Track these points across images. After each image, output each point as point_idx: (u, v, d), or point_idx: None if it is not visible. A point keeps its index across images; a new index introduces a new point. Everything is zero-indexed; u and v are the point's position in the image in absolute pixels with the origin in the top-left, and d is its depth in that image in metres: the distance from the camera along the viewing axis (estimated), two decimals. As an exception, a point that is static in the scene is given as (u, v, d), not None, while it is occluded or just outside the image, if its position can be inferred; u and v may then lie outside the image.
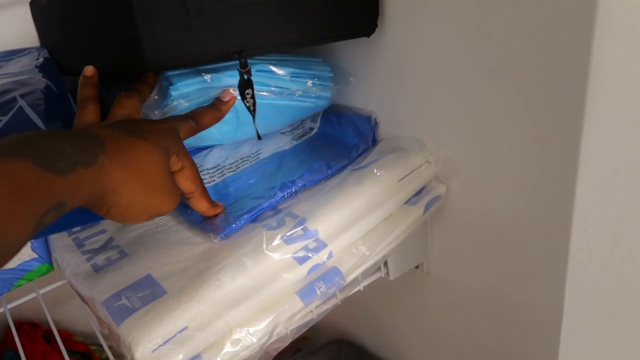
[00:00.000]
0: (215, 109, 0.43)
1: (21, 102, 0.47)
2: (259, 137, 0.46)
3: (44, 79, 0.52)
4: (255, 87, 0.44)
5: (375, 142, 0.52)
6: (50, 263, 0.51)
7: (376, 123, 0.51)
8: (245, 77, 0.42)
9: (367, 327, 0.74)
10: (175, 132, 0.40)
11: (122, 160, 0.35)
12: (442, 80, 0.43)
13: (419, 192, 0.47)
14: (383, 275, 0.52)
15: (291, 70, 0.47)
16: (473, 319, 0.53)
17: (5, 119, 0.45)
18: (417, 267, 0.55)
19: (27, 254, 0.49)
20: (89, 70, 0.44)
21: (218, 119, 0.44)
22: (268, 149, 0.52)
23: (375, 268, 0.48)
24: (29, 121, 0.46)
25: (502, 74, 0.38)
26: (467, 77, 0.41)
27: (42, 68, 0.56)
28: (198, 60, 0.40)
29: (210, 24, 0.38)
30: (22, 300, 0.51)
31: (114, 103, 0.42)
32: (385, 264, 0.52)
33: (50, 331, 0.82)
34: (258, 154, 0.52)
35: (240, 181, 0.48)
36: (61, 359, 0.79)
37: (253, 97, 0.42)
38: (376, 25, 0.46)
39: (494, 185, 0.44)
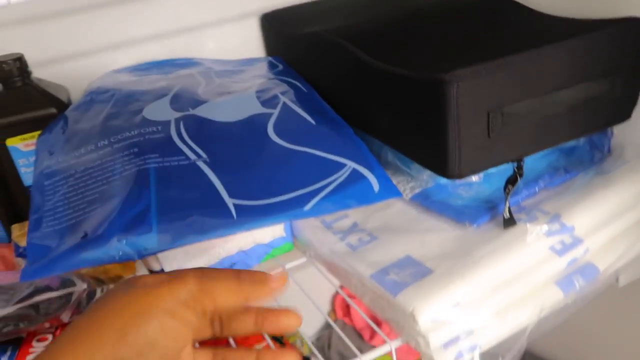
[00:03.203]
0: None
1: (284, 98, 0.54)
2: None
3: (292, 80, 0.59)
4: None
5: (609, 150, 0.53)
6: (292, 242, 0.56)
7: (612, 134, 0.52)
8: (517, 176, 0.45)
9: (565, 344, 0.73)
10: None
11: None
12: None
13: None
14: (612, 281, 0.53)
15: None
16: None
17: (276, 111, 0.52)
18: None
19: (279, 231, 0.55)
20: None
21: None
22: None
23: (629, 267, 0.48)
24: (296, 114, 0.52)
25: None
26: None
27: (285, 72, 0.63)
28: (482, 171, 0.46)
29: (501, 142, 0.42)
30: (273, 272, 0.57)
31: None
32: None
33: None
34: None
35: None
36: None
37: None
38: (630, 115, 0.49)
39: None
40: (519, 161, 0.45)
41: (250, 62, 0.69)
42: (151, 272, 0.50)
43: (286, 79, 0.60)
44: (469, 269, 0.41)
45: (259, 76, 0.62)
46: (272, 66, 0.66)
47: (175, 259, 0.48)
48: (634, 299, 0.58)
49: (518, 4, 0.57)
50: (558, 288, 0.42)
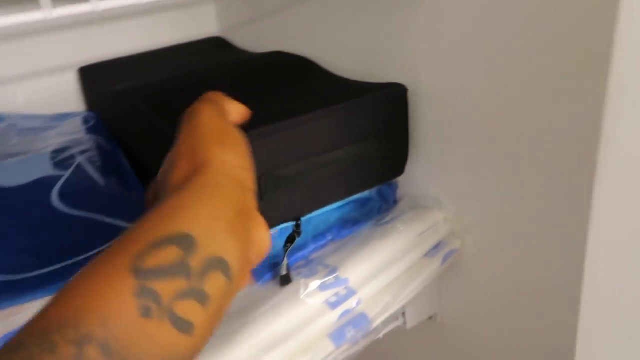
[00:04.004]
0: None
1: (80, 159, 0.53)
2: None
3: (98, 138, 0.58)
4: None
5: (395, 202, 0.57)
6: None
7: (397, 185, 0.57)
8: (295, 236, 0.48)
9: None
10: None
11: None
12: (456, 145, 0.49)
13: (436, 246, 0.52)
14: (401, 325, 0.56)
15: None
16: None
17: (67, 173, 0.51)
18: (431, 317, 0.59)
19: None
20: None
21: None
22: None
23: (395, 317, 0.52)
24: (88, 176, 0.51)
25: (513, 140, 0.44)
26: (479, 143, 0.47)
27: (95, 128, 0.62)
28: None
29: (276, 205, 0.45)
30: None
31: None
32: (404, 313, 0.56)
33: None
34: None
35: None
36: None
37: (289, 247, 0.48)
38: (403, 171, 0.53)
39: (504, 242, 0.49)
40: (297, 220, 0.48)
41: (64, 117, 0.67)
42: None
43: (93, 136, 0.59)
44: (245, 329, 0.43)
45: (66, 133, 0.61)
46: (85, 121, 0.65)
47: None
48: (419, 337, 0.63)
49: (312, 64, 0.61)
50: (330, 341, 0.44)
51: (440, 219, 0.52)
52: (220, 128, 0.36)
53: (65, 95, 0.71)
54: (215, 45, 0.77)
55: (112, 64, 0.71)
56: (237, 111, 0.41)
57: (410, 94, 0.50)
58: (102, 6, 0.34)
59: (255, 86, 0.57)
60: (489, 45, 0.43)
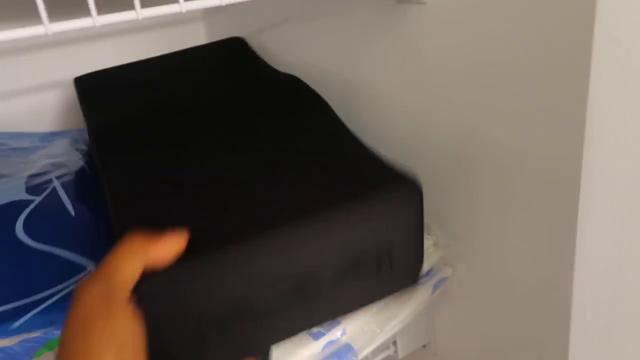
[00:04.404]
0: None
1: (56, 183, 0.51)
2: None
3: (80, 161, 0.57)
4: None
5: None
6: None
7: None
8: None
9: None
10: None
11: None
12: (446, 170, 0.47)
13: (427, 274, 0.49)
14: (392, 354, 0.54)
15: None
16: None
17: (38, 199, 0.49)
18: (424, 346, 0.57)
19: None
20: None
21: None
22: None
23: (385, 346, 0.50)
24: (60, 203, 0.49)
25: (505, 178, 0.42)
26: (472, 176, 0.45)
27: (81, 150, 0.60)
28: None
29: (228, 348, 0.36)
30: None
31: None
32: (394, 342, 0.53)
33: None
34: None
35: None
36: None
37: None
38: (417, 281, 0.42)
39: (497, 270, 0.46)
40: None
41: (54, 136, 0.65)
42: None
43: (79, 158, 0.58)
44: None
45: (51, 155, 0.59)
46: (74, 142, 0.63)
47: None
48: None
49: (323, 105, 0.52)
50: (313, 374, 0.42)
51: (429, 245, 0.50)
52: (89, 321, 0.30)
53: (58, 112, 0.70)
54: (237, 50, 0.69)
55: (99, 76, 0.66)
56: (166, 250, 0.33)
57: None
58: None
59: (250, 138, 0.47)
60: (469, 75, 0.41)
